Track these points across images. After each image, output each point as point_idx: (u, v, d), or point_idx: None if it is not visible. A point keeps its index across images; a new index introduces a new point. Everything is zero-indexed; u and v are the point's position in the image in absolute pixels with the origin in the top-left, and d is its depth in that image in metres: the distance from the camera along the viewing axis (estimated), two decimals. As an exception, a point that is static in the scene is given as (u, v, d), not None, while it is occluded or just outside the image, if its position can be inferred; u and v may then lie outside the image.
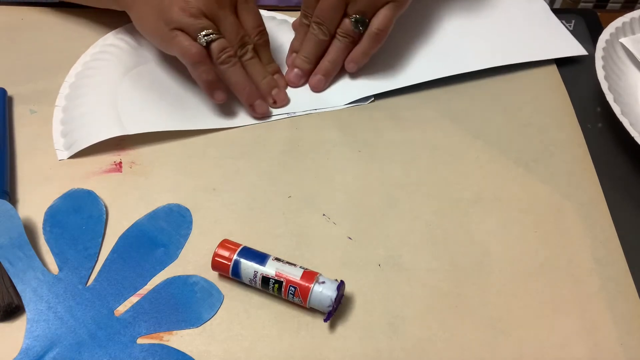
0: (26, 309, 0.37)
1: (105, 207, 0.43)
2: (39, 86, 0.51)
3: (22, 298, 0.38)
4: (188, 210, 0.43)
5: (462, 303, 0.38)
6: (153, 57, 0.53)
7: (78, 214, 0.42)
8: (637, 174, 0.46)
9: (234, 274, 0.38)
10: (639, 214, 0.43)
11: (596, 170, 0.45)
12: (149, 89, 0.50)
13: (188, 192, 0.44)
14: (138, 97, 0.49)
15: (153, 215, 0.42)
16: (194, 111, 0.49)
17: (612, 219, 0.43)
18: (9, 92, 0.50)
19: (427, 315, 0.38)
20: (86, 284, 0.39)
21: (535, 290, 0.39)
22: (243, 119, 0.49)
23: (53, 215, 0.42)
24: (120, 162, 0.46)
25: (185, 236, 0.41)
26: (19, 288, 0.38)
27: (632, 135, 0.43)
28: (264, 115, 0.49)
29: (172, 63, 0.52)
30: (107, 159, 0.46)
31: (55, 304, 0.38)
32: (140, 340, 0.36)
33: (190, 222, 0.42)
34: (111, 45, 0.54)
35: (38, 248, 0.41)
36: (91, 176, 0.45)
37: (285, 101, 0.50)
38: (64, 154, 0.46)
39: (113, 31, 0.55)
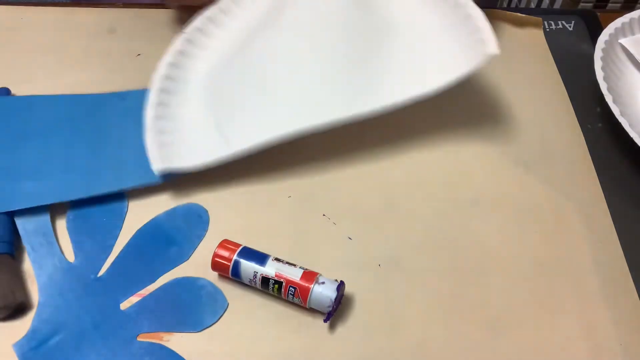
0: (39, 293, 0.38)
1: (128, 202, 0.43)
2: (39, 86, 0.51)
3: (38, 282, 0.39)
4: (206, 211, 0.43)
5: (462, 303, 0.38)
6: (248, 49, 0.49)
7: (101, 206, 0.43)
8: (637, 174, 0.46)
9: (233, 274, 0.38)
10: (639, 214, 0.43)
11: (596, 170, 0.45)
12: (245, 89, 0.47)
13: (188, 191, 0.44)
14: (235, 103, 0.46)
15: (171, 213, 0.42)
16: (293, 110, 0.45)
17: (612, 219, 0.43)
18: (9, 92, 0.50)
19: (427, 316, 0.38)
20: (98, 275, 0.39)
21: (535, 290, 0.39)
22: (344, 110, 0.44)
23: (77, 206, 0.43)
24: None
25: (200, 237, 0.41)
26: (36, 272, 0.39)
27: (632, 135, 0.43)
28: None
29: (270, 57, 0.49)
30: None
31: (67, 291, 0.38)
32: (140, 338, 0.36)
33: (207, 223, 0.42)
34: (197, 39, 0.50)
35: (59, 235, 0.41)
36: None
37: None
38: (158, 166, 0.42)
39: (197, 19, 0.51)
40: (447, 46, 0.46)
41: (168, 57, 0.48)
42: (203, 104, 0.47)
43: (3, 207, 0.41)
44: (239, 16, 0.52)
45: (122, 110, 0.48)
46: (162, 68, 0.48)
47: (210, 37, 0.51)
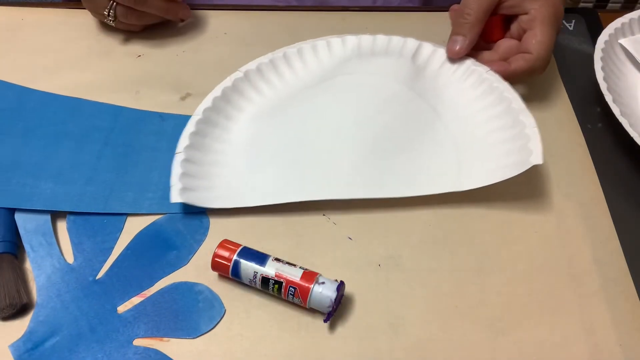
0: (37, 294, 0.38)
1: None
2: (39, 86, 0.51)
3: (36, 282, 0.39)
4: (206, 215, 0.42)
5: (462, 303, 0.38)
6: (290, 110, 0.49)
7: None
8: (637, 174, 0.46)
9: (233, 275, 0.38)
10: (639, 214, 0.43)
11: (596, 170, 0.45)
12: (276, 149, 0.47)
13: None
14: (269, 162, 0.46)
15: (172, 217, 0.42)
16: (320, 180, 0.44)
17: (612, 219, 0.43)
18: (9, 92, 0.50)
19: (427, 316, 0.38)
20: (96, 277, 0.39)
21: (535, 290, 0.39)
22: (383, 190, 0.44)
23: None
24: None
25: (199, 242, 0.41)
26: (35, 273, 0.39)
27: (632, 135, 0.43)
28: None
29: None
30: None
31: (65, 292, 0.38)
32: (136, 342, 0.36)
33: (207, 228, 0.42)
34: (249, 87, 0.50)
35: (60, 236, 0.41)
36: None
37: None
38: (176, 198, 0.42)
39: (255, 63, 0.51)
40: (491, 148, 0.45)
41: (217, 91, 0.48)
42: (239, 147, 0.47)
43: (20, 204, 0.42)
44: (294, 69, 0.52)
45: (159, 131, 0.48)
46: (208, 100, 0.48)
47: (264, 81, 0.51)
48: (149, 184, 0.44)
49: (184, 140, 0.45)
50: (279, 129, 0.47)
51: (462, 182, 0.43)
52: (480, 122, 0.47)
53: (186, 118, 0.47)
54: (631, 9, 0.54)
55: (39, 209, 0.42)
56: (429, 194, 0.43)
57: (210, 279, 0.39)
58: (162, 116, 0.49)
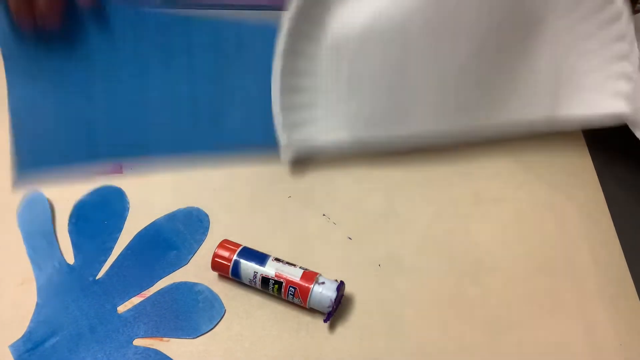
0: (37, 295, 0.38)
1: (129, 205, 0.43)
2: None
3: (36, 283, 0.39)
4: (207, 215, 0.43)
5: (462, 303, 0.38)
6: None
7: (103, 209, 0.43)
8: (637, 174, 0.46)
9: (233, 275, 0.38)
10: (639, 214, 0.43)
11: (596, 170, 0.45)
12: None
13: (188, 192, 0.44)
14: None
15: (172, 217, 0.42)
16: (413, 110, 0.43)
17: (612, 219, 0.43)
18: (10, 93, 0.50)
19: (427, 316, 0.38)
20: (96, 277, 0.39)
21: (535, 290, 0.39)
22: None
23: (80, 209, 0.43)
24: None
25: (200, 242, 0.41)
26: (35, 273, 0.39)
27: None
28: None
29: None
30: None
31: (65, 292, 0.38)
32: (136, 342, 0.36)
33: (207, 228, 0.42)
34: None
35: (61, 238, 0.41)
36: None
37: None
38: (286, 156, 0.41)
39: None
40: (587, 82, 0.44)
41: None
42: (329, 75, 0.44)
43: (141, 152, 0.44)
44: None
45: (241, 43, 0.46)
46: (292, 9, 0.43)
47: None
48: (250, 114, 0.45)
49: (278, 63, 0.42)
50: (369, 54, 0.44)
51: (556, 109, 0.43)
52: (579, 52, 0.44)
53: (268, 30, 0.44)
54: (633, 9, 0.54)
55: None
56: (524, 118, 0.43)
57: (210, 279, 0.39)
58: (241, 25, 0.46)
